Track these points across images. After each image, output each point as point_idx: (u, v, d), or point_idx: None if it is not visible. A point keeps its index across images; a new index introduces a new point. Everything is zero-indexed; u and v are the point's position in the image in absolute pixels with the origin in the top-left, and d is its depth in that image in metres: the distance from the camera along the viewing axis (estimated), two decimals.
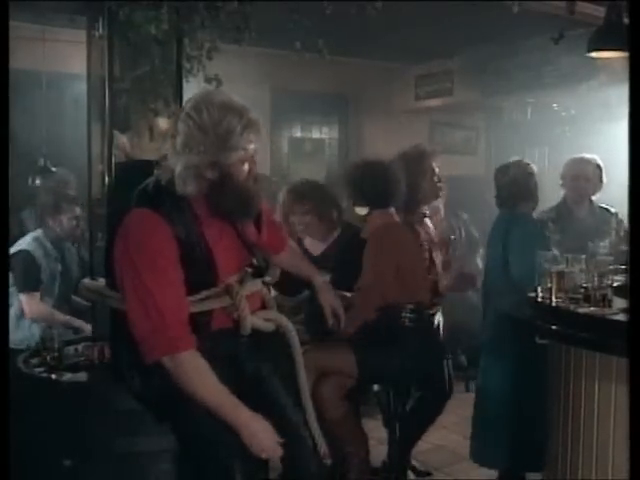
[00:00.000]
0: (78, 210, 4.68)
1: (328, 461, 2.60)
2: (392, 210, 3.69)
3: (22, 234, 4.70)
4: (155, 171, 2.39)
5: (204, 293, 2.39)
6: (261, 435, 2.34)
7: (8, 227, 2.02)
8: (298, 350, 2.61)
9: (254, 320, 2.47)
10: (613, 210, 4.40)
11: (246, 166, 2.37)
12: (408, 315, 3.52)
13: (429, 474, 4.21)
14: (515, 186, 3.93)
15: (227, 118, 2.29)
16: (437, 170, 4.02)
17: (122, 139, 3.39)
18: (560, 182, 4.64)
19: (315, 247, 3.97)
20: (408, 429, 3.86)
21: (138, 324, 2.29)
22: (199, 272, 2.36)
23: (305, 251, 3.90)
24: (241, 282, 2.46)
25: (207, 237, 2.38)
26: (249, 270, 2.52)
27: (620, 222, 4.25)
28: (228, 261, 2.44)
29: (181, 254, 2.31)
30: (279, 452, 2.37)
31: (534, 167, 4.03)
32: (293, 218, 3.93)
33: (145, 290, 2.26)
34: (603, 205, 4.56)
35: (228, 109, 2.31)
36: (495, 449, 3.87)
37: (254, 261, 2.55)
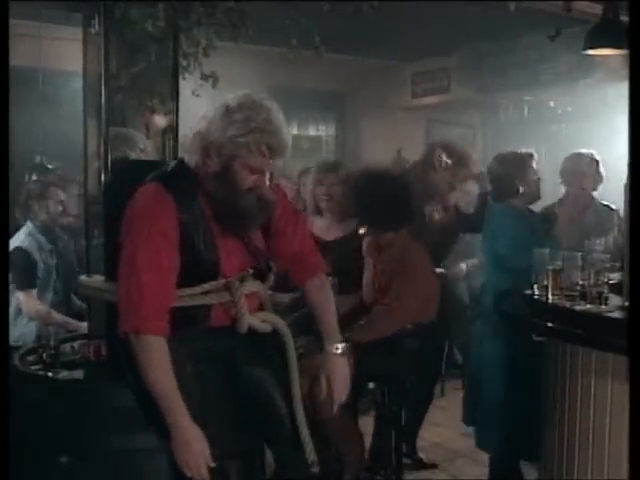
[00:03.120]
0: (62, 195, 4.67)
1: (316, 469, 2.53)
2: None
3: (15, 230, 4.68)
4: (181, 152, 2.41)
5: (204, 286, 2.39)
6: (194, 448, 2.27)
7: (8, 225, 2.01)
8: (292, 354, 2.56)
9: (251, 320, 2.46)
10: (614, 207, 4.38)
11: (253, 177, 2.33)
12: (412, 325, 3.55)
13: (435, 466, 4.29)
14: (504, 180, 3.90)
15: (262, 114, 2.28)
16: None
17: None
18: (560, 179, 4.64)
19: (329, 231, 3.87)
20: (405, 423, 3.95)
21: (119, 293, 2.31)
22: (201, 264, 2.37)
23: (316, 238, 3.71)
24: (241, 281, 2.46)
25: (213, 230, 2.38)
26: (250, 271, 2.51)
27: (621, 220, 4.23)
28: (230, 263, 2.43)
29: (184, 241, 2.31)
30: (202, 473, 2.27)
31: (531, 160, 3.97)
32: (319, 190, 3.89)
33: (133, 264, 2.27)
34: (605, 202, 4.54)
35: (273, 109, 2.31)
36: (492, 442, 3.88)
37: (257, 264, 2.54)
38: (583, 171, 4.53)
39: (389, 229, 3.57)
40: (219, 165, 2.31)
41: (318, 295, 2.62)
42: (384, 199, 3.49)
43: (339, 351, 2.59)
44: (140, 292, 2.25)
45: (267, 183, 2.37)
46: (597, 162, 4.55)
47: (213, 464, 2.29)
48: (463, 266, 5.94)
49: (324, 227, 3.90)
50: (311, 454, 2.50)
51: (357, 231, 3.71)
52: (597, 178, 4.55)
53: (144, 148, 3.40)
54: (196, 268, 2.36)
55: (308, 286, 2.63)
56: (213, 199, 2.35)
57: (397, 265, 3.53)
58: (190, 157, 2.37)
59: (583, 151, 4.62)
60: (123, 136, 3.38)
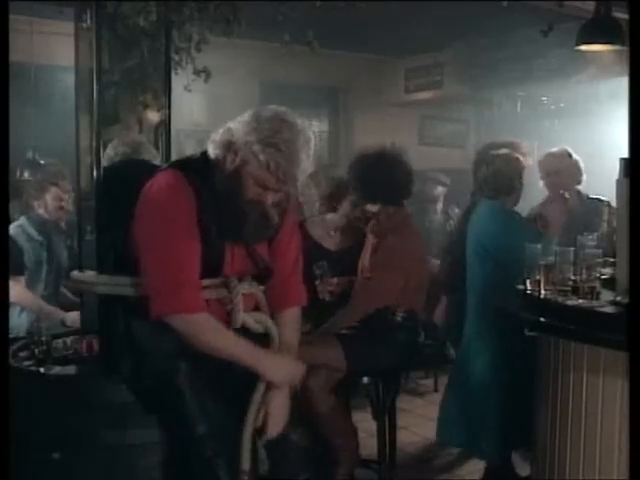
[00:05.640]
0: (61, 193, 4.67)
1: (306, 476, 2.55)
2: (406, 207, 3.66)
3: None
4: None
5: (204, 282, 2.40)
6: (282, 367, 2.47)
7: (8, 223, 2.01)
8: None
9: (245, 318, 2.47)
10: (605, 200, 4.35)
11: (256, 190, 2.34)
12: (401, 314, 3.54)
13: None
14: (506, 177, 3.91)
15: (287, 135, 2.30)
16: None
17: None
18: (541, 178, 4.62)
19: (334, 239, 3.74)
20: None
21: (152, 276, 2.30)
22: (206, 260, 2.37)
23: (319, 247, 3.70)
24: (240, 281, 2.47)
25: None
26: (250, 275, 2.53)
27: (613, 212, 4.19)
28: (233, 264, 2.45)
29: (198, 235, 2.33)
30: (298, 378, 2.51)
31: (520, 160, 3.98)
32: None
33: (167, 243, 2.28)
34: (593, 196, 4.51)
35: (301, 134, 2.33)
36: (486, 438, 3.89)
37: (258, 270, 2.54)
38: (556, 170, 4.50)
39: (391, 203, 3.56)
40: (232, 166, 2.33)
41: (289, 327, 2.64)
42: (387, 174, 3.50)
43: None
44: (179, 274, 2.28)
45: (270, 201, 2.38)
46: (573, 157, 4.52)
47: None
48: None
49: (331, 229, 3.77)
50: (244, 463, 2.43)
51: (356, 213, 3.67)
52: (575, 174, 4.52)
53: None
54: (202, 263, 2.37)
55: (284, 314, 2.65)
56: (218, 199, 2.36)
57: (386, 240, 3.52)
58: (213, 149, 2.39)
59: (556, 150, 4.59)
60: (147, 148, 3.38)
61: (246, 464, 2.41)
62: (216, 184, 2.35)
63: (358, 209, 3.59)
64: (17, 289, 4.38)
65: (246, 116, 2.35)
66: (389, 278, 3.48)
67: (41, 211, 4.62)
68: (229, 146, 2.33)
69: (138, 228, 2.34)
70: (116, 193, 2.79)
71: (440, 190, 7.02)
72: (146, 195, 2.35)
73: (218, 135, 2.38)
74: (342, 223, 3.70)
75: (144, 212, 2.33)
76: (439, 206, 6.96)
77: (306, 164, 2.34)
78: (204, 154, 2.43)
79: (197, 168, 2.40)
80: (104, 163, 3.21)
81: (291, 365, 2.51)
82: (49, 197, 4.62)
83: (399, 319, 3.54)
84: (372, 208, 3.54)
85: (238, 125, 2.34)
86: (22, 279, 4.44)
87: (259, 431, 2.49)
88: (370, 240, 3.58)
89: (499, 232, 3.79)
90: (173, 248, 2.28)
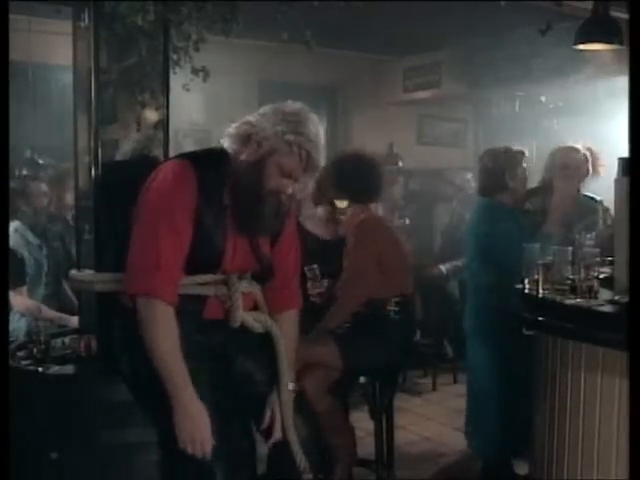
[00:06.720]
0: (44, 187, 4.65)
1: (309, 476, 2.51)
2: (372, 206, 3.74)
3: None
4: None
5: (203, 277, 2.40)
6: (196, 423, 2.26)
7: (8, 223, 2.01)
8: (283, 359, 2.55)
9: (245, 316, 2.46)
10: (598, 198, 4.33)
11: (280, 180, 2.36)
12: (393, 308, 3.55)
13: None
14: (493, 174, 3.90)
15: (312, 128, 2.36)
16: None
17: None
18: (546, 172, 4.57)
19: (325, 231, 3.81)
20: None
21: (133, 256, 2.30)
22: (206, 253, 2.37)
23: (308, 234, 3.74)
24: (240, 279, 2.46)
25: (227, 223, 2.39)
26: (250, 273, 2.52)
27: (606, 210, 4.19)
28: (234, 260, 2.44)
29: (196, 223, 2.32)
30: (207, 449, 2.28)
31: (522, 157, 3.98)
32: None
33: (153, 231, 2.28)
34: (587, 194, 4.49)
35: (320, 126, 2.39)
36: (484, 438, 3.90)
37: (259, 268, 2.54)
38: (575, 165, 4.46)
39: (360, 202, 3.64)
40: (254, 156, 2.34)
41: (289, 331, 2.61)
42: (361, 173, 3.59)
43: (291, 388, 2.58)
44: (158, 258, 2.26)
45: (290, 191, 2.40)
46: (587, 157, 4.48)
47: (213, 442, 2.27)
48: (442, 268, 6.03)
49: (321, 222, 3.83)
50: (302, 462, 2.49)
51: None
52: (585, 173, 4.49)
53: None
54: (199, 256, 2.36)
55: (283, 317, 2.62)
56: (236, 190, 2.37)
57: (354, 237, 3.57)
58: (231, 143, 2.40)
59: (576, 144, 4.55)
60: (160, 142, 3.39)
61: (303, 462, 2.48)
62: (234, 175, 2.37)
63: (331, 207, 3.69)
64: (19, 299, 4.36)
65: (267, 110, 2.39)
66: (358, 268, 3.52)
67: (30, 212, 4.58)
68: (249, 137, 2.35)
69: (137, 210, 2.35)
70: (115, 190, 2.78)
71: (450, 191, 7.07)
72: (151, 181, 2.37)
73: (235, 129, 2.39)
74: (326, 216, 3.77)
75: (145, 196, 2.35)
76: (450, 206, 6.96)
77: (323, 157, 2.42)
78: (218, 148, 2.44)
79: (209, 160, 2.42)
80: (118, 157, 3.22)
81: (204, 423, 2.28)
82: (33, 197, 4.59)
83: (394, 308, 3.55)
84: (341, 204, 3.62)
85: (260, 118, 2.37)
86: (24, 289, 4.42)
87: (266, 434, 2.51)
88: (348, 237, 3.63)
89: (490, 229, 3.79)
90: (161, 232, 2.27)
